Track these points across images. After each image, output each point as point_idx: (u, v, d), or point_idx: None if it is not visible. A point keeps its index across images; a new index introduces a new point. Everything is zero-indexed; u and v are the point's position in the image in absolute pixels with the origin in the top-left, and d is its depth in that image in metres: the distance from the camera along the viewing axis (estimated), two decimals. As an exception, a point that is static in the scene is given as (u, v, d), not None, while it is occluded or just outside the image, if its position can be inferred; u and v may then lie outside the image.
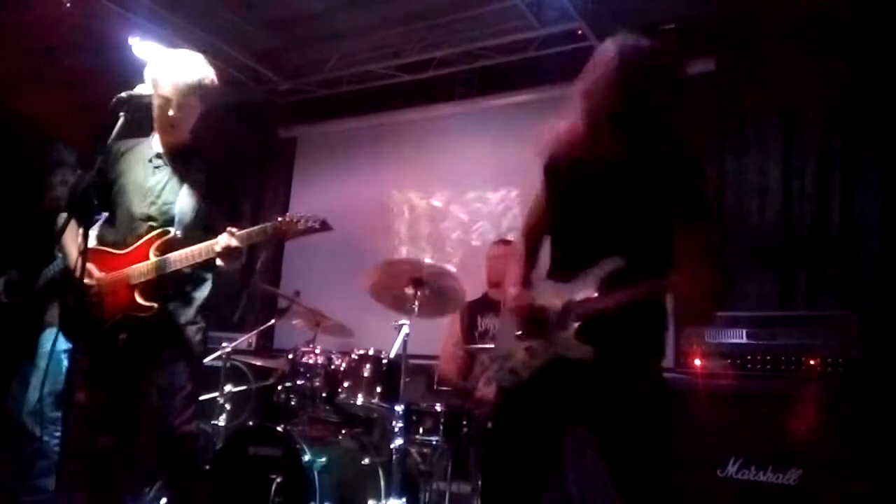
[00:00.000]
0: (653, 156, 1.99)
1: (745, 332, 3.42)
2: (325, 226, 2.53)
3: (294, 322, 4.32)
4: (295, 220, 2.51)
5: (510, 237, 4.79)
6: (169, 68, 2.66)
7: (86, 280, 2.42)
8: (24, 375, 3.64)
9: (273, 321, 4.42)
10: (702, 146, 4.28)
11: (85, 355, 2.55)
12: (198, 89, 2.66)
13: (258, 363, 4.48)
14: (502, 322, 2.30)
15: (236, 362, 4.41)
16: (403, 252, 5.69)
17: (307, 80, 5.99)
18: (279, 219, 2.54)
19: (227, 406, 4.13)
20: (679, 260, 1.91)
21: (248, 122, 6.13)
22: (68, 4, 4.14)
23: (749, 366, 3.35)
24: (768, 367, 3.31)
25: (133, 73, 2.76)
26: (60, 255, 3.62)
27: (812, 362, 3.22)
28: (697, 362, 3.45)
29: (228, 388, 4.18)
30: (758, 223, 4.34)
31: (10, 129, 4.86)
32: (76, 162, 3.88)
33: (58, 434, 3.54)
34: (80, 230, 2.41)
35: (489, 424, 3.49)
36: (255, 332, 4.67)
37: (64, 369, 3.59)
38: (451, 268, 4.03)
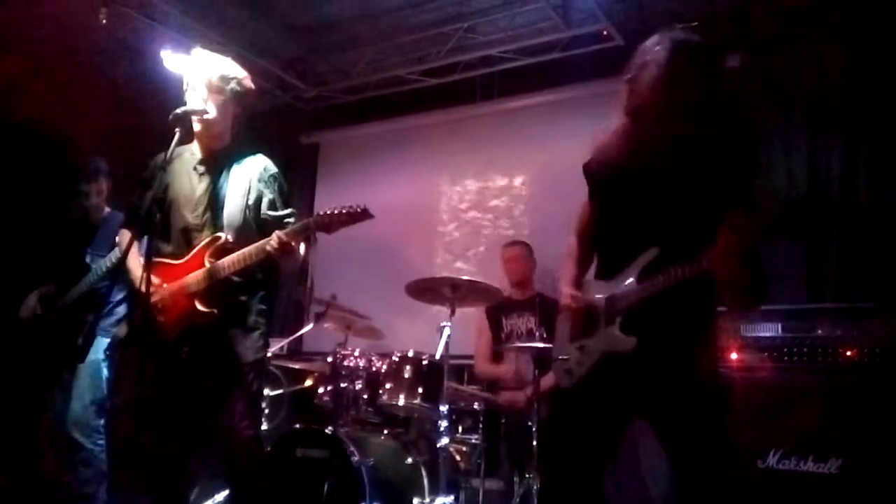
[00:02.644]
0: (706, 153, 1.99)
1: (779, 325, 3.45)
2: (366, 213, 2.51)
3: (326, 325, 4.36)
4: (336, 211, 2.51)
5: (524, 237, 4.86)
6: (201, 67, 2.72)
7: (149, 293, 2.45)
8: (65, 385, 3.68)
9: (311, 325, 4.46)
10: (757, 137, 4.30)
11: (150, 364, 2.58)
12: (228, 83, 2.70)
13: (296, 367, 4.53)
14: (559, 323, 2.33)
15: (270, 366, 4.46)
16: (429, 256, 5.72)
17: (333, 87, 6.02)
18: (319, 213, 2.57)
19: (266, 410, 4.20)
20: (718, 240, 1.87)
21: (270, 129, 6.16)
22: (104, 21, 4.17)
23: (786, 358, 3.37)
24: (805, 358, 3.33)
25: (165, 85, 2.80)
26: (95, 266, 3.69)
27: (849, 353, 3.26)
28: (734, 356, 3.50)
29: (266, 391, 4.23)
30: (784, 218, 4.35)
31: (40, 141, 4.91)
32: (108, 173, 3.93)
33: (101, 441, 3.62)
34: (142, 246, 2.47)
35: (529, 423, 3.56)
36: (295, 335, 4.72)
37: (105, 378, 3.67)
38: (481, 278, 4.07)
